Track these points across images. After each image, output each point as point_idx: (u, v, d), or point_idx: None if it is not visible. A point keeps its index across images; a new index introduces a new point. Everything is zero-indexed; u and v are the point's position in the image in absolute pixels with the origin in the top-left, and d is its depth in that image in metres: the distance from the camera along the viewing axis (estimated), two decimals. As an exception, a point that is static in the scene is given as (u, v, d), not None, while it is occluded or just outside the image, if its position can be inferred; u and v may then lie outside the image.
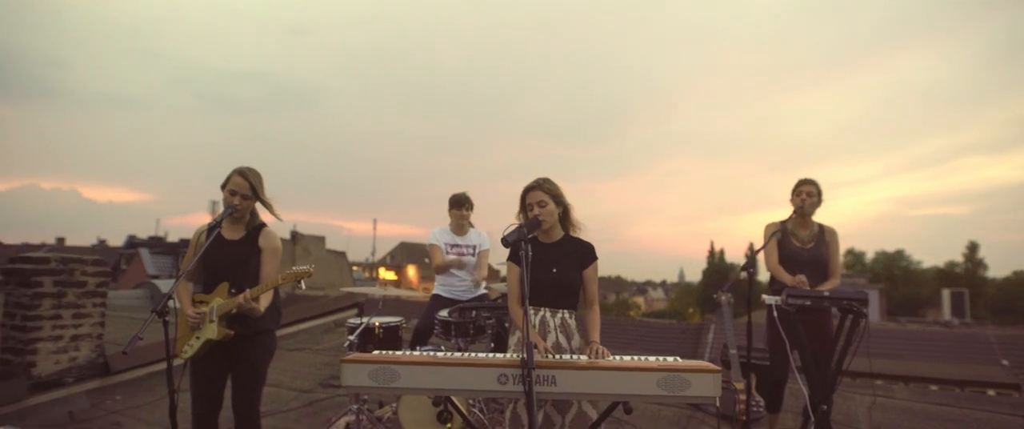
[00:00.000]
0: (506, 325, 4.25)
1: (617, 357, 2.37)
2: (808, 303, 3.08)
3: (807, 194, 3.50)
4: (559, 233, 2.77)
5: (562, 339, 2.64)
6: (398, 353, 2.39)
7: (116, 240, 41.85)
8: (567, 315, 2.67)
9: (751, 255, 3.27)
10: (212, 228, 2.84)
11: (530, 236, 2.59)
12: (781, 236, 3.53)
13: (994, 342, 16.84)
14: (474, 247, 4.52)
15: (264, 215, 3.03)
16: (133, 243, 37.60)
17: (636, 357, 2.36)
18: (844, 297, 3.07)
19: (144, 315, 2.50)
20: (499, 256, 4.53)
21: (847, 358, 3.06)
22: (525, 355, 2.04)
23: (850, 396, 4.73)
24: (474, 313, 3.84)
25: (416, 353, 2.40)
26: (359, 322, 3.92)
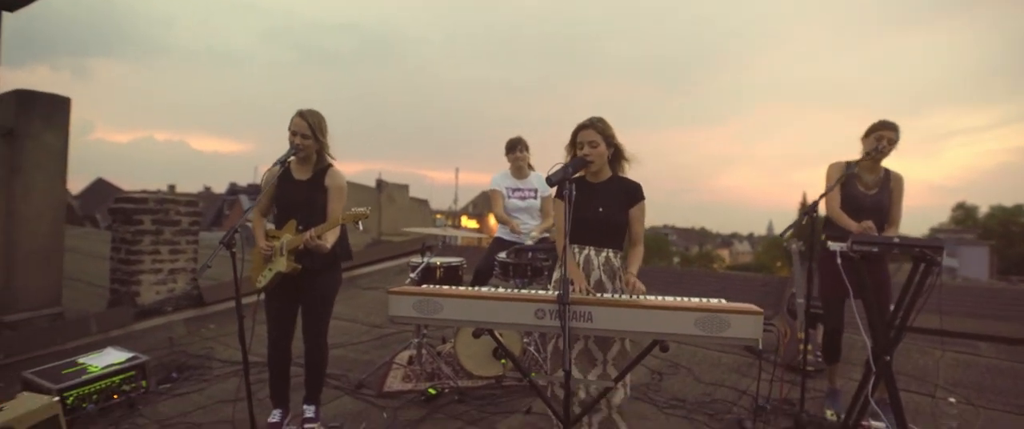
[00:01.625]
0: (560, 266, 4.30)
1: (656, 297, 2.36)
2: (875, 250, 2.91)
3: (888, 140, 3.26)
4: (607, 173, 2.74)
5: (605, 278, 2.64)
6: (445, 288, 2.48)
7: (220, 187, 45.08)
8: (611, 254, 2.67)
9: (816, 200, 3.11)
10: (280, 165, 3.00)
11: (576, 175, 2.58)
12: (846, 179, 3.33)
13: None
14: (536, 190, 4.54)
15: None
16: (234, 190, 40.38)
17: (678, 298, 2.34)
18: (916, 244, 2.87)
19: (243, 255, 2.73)
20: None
21: (915, 309, 2.89)
22: (561, 291, 2.08)
23: (929, 351, 4.48)
24: (530, 255, 3.90)
25: (455, 288, 2.48)
26: (421, 261, 4.08)
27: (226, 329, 5.09)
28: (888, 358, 2.92)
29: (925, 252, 2.84)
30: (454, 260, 4.21)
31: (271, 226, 3.19)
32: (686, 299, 2.25)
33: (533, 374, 2.56)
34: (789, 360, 4.16)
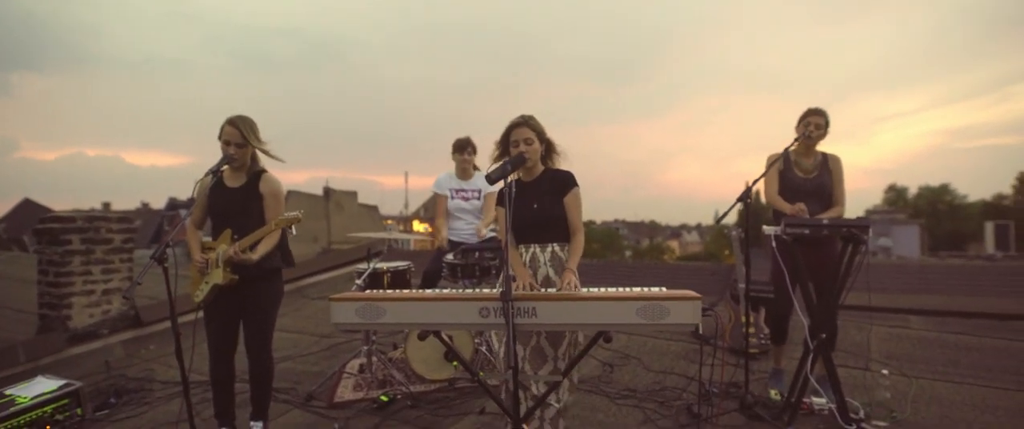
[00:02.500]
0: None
1: (598, 289, 2.39)
2: (806, 231, 3.03)
3: (815, 126, 3.40)
4: (540, 169, 2.77)
5: (553, 273, 2.66)
6: (387, 291, 2.45)
7: (158, 202, 43.32)
8: (557, 248, 2.69)
9: (749, 186, 3.22)
10: (212, 175, 2.91)
11: (514, 172, 2.59)
12: (783, 166, 3.46)
13: (1038, 274, 16.41)
14: (479, 191, 4.54)
15: (267, 162, 3.09)
16: (174, 205, 38.91)
17: (619, 288, 2.37)
18: (843, 224, 3.01)
19: (182, 271, 2.63)
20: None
21: (846, 288, 3.02)
22: (504, 288, 2.08)
23: (863, 326, 4.69)
24: (477, 255, 3.90)
25: (397, 292, 2.46)
26: (366, 268, 4.02)
27: (167, 349, 4.89)
28: (824, 335, 3.05)
29: (852, 231, 2.98)
30: (401, 264, 4.17)
31: (207, 238, 3.09)
32: (627, 289, 2.29)
33: (482, 373, 2.55)
34: (735, 344, 4.28)
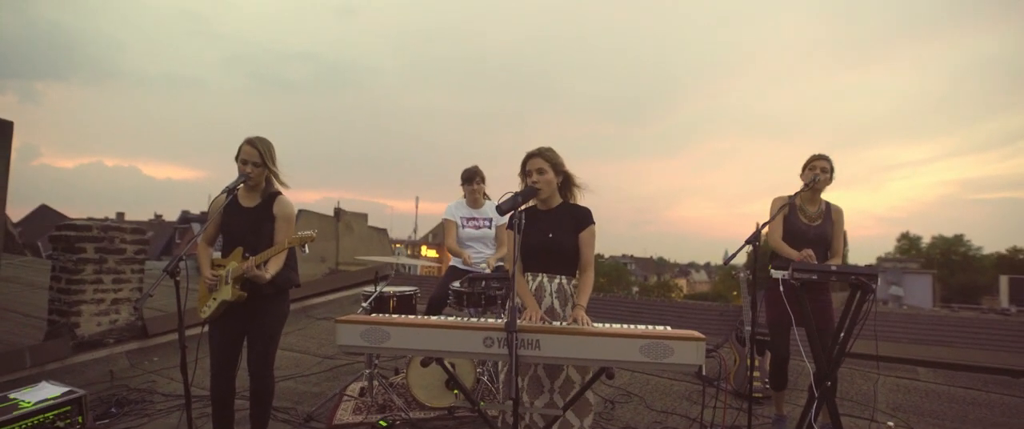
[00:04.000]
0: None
1: (604, 325, 2.39)
2: (815, 277, 3.02)
3: (821, 170, 3.42)
4: (557, 201, 2.80)
5: (557, 305, 2.67)
6: (393, 316, 2.47)
7: (172, 215, 43.76)
8: (565, 281, 2.70)
9: (757, 230, 3.22)
10: (227, 193, 2.96)
11: (526, 203, 2.63)
12: (788, 211, 3.47)
13: (1053, 332, 16.15)
14: (490, 220, 4.57)
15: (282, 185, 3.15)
16: (186, 218, 39.28)
17: (623, 325, 2.38)
18: (852, 272, 3.00)
19: (190, 284, 2.67)
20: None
21: (853, 336, 3.00)
22: (509, 319, 2.10)
23: (870, 376, 4.63)
24: (484, 283, 3.91)
25: (403, 317, 2.47)
26: (374, 291, 4.04)
27: (170, 361, 4.91)
28: (829, 383, 3.02)
29: (861, 279, 2.97)
30: (408, 289, 4.19)
31: (217, 255, 3.14)
32: (631, 326, 2.30)
33: (482, 403, 2.55)
34: (738, 387, 4.24)
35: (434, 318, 2.40)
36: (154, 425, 3.63)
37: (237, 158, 3.01)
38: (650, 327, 2.29)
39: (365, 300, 3.96)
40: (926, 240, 55.92)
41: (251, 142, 2.99)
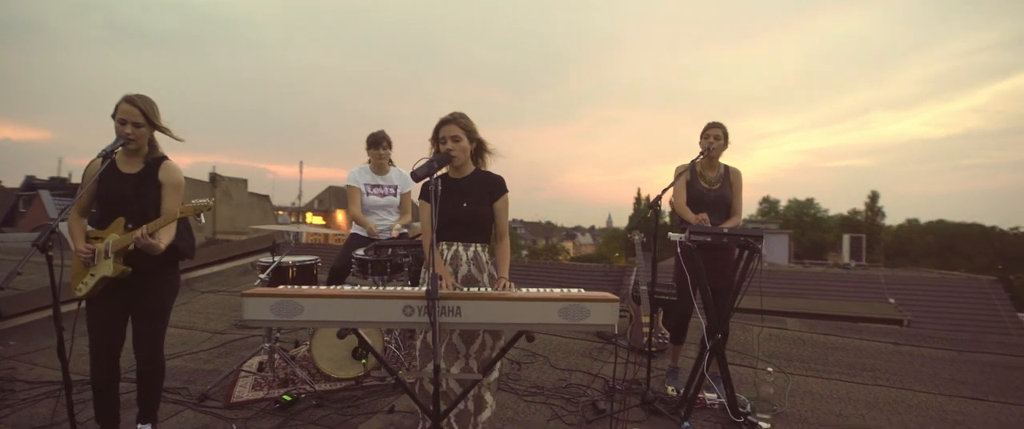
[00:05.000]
0: (423, 263, 4.28)
1: (521, 289, 2.43)
2: (708, 239, 3.25)
3: (714, 137, 3.64)
4: (470, 168, 2.78)
5: (475, 272, 2.68)
6: (304, 288, 2.36)
7: (14, 181, 38.57)
8: (479, 248, 2.71)
9: (658, 195, 3.39)
10: (104, 158, 2.65)
11: (441, 170, 2.58)
12: (690, 177, 3.68)
13: (883, 282, 18.55)
14: (395, 187, 4.46)
15: (164, 147, 2.87)
16: (32, 184, 34.83)
17: (540, 289, 2.43)
18: (741, 234, 3.25)
19: (41, 259, 2.36)
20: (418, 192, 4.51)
21: (741, 291, 3.27)
22: (430, 287, 2.07)
23: (748, 328, 5.09)
24: (390, 251, 3.83)
25: (315, 288, 2.37)
26: (271, 261, 3.84)
27: (32, 345, 4.40)
28: (719, 335, 3.28)
29: (748, 240, 3.23)
30: (308, 259, 4.02)
31: (89, 227, 2.82)
32: (548, 290, 2.35)
33: (400, 372, 2.52)
34: (635, 343, 4.50)
35: (350, 288, 2.32)
36: (18, 417, 3.26)
37: (114, 116, 2.70)
38: (566, 290, 2.35)
39: (262, 271, 3.75)
40: (784, 203, 61.97)
41: (130, 100, 2.69)
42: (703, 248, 3.31)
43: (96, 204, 2.80)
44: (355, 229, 4.47)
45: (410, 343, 3.98)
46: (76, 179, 35.02)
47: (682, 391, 3.51)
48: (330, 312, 2.20)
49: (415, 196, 4.23)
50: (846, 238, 26.97)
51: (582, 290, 2.37)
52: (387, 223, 4.42)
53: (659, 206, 3.34)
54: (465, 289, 2.50)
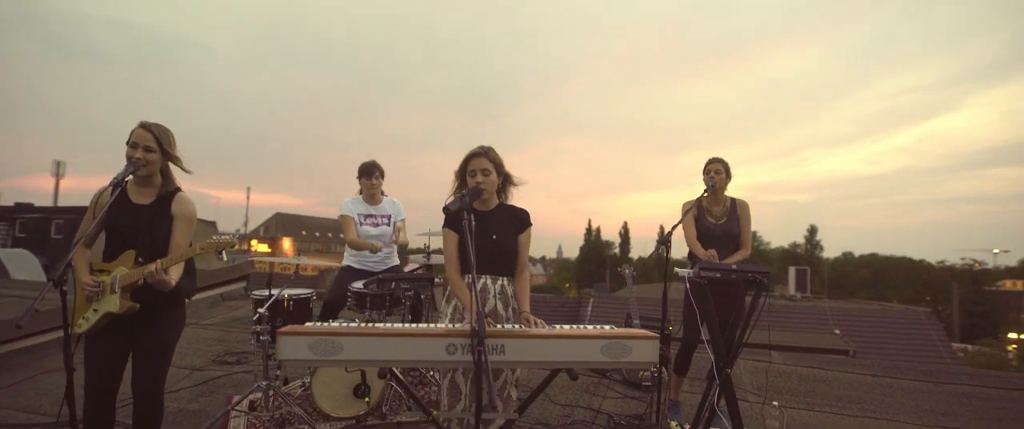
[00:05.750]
0: (422, 297, 4.20)
1: (556, 326, 2.42)
2: (717, 275, 3.32)
3: (715, 172, 3.75)
4: (495, 201, 2.77)
5: (500, 306, 2.65)
6: (335, 324, 2.28)
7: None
8: (506, 282, 2.68)
9: (668, 232, 3.46)
10: (115, 186, 2.52)
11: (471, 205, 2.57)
12: (697, 213, 3.76)
13: (829, 313, 19.34)
14: (388, 217, 4.39)
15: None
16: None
17: (573, 326, 2.42)
18: (748, 271, 3.33)
19: (71, 293, 2.21)
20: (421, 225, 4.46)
21: (749, 327, 3.33)
22: (476, 325, 2.03)
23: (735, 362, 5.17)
24: (393, 285, 3.75)
25: (356, 324, 2.30)
26: (266, 294, 3.69)
27: (5, 380, 4.03)
28: (728, 370, 3.32)
29: (756, 276, 3.31)
30: (304, 292, 3.88)
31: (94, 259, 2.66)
32: (587, 327, 2.35)
33: (435, 412, 2.44)
34: (628, 376, 4.51)
35: (393, 326, 2.26)
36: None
37: (128, 143, 2.59)
38: (605, 328, 2.36)
39: (257, 305, 3.58)
40: (729, 236, 64.15)
41: (146, 126, 2.59)
42: (712, 283, 3.37)
43: (104, 235, 2.65)
44: (348, 260, 4.36)
45: (410, 379, 3.88)
46: (6, 200, 32.98)
47: (691, 424, 3.52)
48: (371, 351, 2.14)
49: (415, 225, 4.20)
50: (792, 270, 27.96)
51: (612, 327, 2.38)
52: (381, 254, 4.34)
53: (670, 242, 3.40)
54: (492, 324, 2.45)
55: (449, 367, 2.44)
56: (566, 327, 2.37)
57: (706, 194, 3.71)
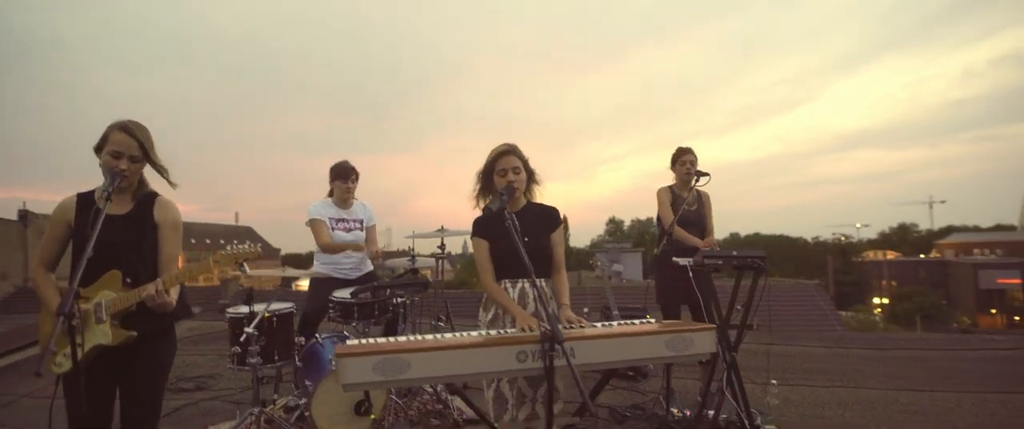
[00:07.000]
0: (407, 303, 3.99)
1: (598, 324, 2.37)
2: (719, 263, 3.41)
3: (690, 162, 3.86)
4: (523, 201, 2.67)
5: (540, 308, 2.55)
6: (402, 339, 2.10)
7: None
8: (543, 283, 2.59)
9: (669, 226, 3.53)
10: (106, 197, 2.15)
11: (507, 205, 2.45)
12: (672, 199, 3.86)
13: (728, 290, 20.73)
14: (361, 221, 4.14)
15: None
16: None
17: (627, 322, 2.39)
18: (749, 256, 3.44)
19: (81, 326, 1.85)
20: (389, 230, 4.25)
21: (752, 310, 3.45)
22: (549, 328, 1.94)
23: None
24: (387, 292, 3.55)
25: (416, 338, 2.13)
26: (246, 311, 3.36)
27: None
28: (734, 354, 3.43)
29: (756, 262, 3.43)
30: (285, 306, 3.57)
31: (61, 283, 2.27)
32: (650, 322, 2.32)
33: (496, 425, 2.32)
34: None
35: (462, 337, 2.10)
36: None
37: (100, 150, 2.23)
38: (667, 322, 2.34)
39: (248, 324, 3.25)
40: (627, 223, 66.84)
41: (126, 128, 2.23)
42: (677, 269, 3.45)
43: (73, 254, 2.26)
44: (321, 267, 4.03)
45: (410, 394, 3.71)
46: None
47: (696, 410, 3.60)
48: (441, 366, 1.99)
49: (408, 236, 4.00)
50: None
51: (653, 320, 2.38)
52: (354, 260, 4.09)
53: (672, 234, 3.45)
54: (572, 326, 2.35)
55: (521, 375, 2.31)
56: (635, 324, 2.32)
57: (678, 182, 3.84)
